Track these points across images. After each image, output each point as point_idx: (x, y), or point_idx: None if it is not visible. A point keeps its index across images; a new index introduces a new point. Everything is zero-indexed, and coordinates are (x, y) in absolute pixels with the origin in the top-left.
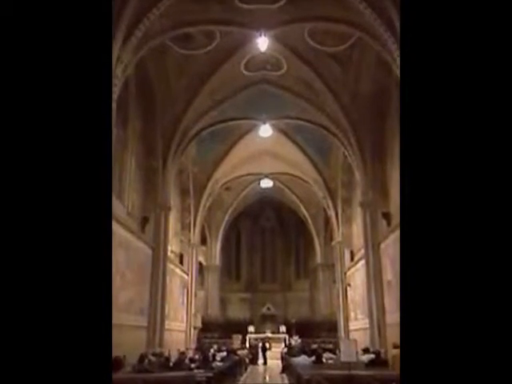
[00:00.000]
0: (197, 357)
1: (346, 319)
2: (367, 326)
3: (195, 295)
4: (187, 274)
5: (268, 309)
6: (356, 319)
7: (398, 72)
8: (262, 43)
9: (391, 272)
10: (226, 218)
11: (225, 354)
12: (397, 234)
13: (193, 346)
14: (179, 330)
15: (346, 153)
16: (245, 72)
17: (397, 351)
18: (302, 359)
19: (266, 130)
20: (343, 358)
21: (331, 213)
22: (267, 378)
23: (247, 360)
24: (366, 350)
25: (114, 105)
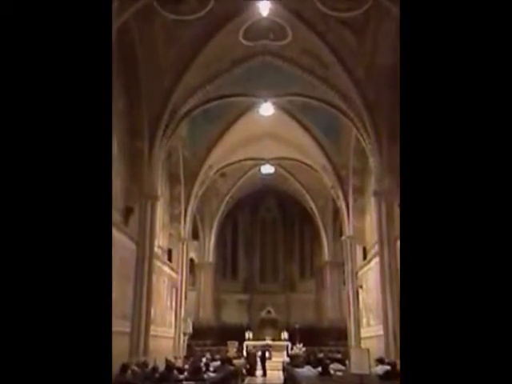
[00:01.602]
0: (187, 367)
1: (357, 325)
2: (381, 333)
3: (185, 297)
4: (177, 273)
5: (268, 312)
6: (369, 325)
7: None
8: (264, 7)
9: None
10: (222, 208)
11: (219, 363)
12: None
13: (182, 354)
14: (167, 337)
15: (359, 135)
16: (243, 41)
17: None
18: (307, 370)
19: (267, 109)
20: (354, 370)
21: (341, 204)
22: None
23: (244, 371)
24: (380, 361)
25: None
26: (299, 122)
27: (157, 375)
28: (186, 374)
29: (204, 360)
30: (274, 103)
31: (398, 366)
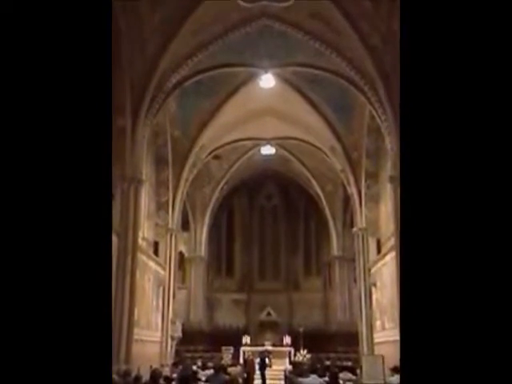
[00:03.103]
0: (175, 376)
1: (370, 329)
2: (398, 338)
3: (174, 296)
4: (164, 269)
5: (268, 314)
6: (383, 329)
7: None
8: None
9: None
10: (216, 195)
11: (211, 372)
12: None
13: (170, 361)
14: (152, 341)
15: (374, 112)
16: (240, 2)
17: None
18: (312, 380)
19: (268, 81)
20: (366, 380)
21: (352, 190)
22: None
23: (241, 380)
24: (395, 370)
25: None
26: (305, 96)
27: None
28: (174, 383)
29: (195, 368)
30: (275, 74)
31: None
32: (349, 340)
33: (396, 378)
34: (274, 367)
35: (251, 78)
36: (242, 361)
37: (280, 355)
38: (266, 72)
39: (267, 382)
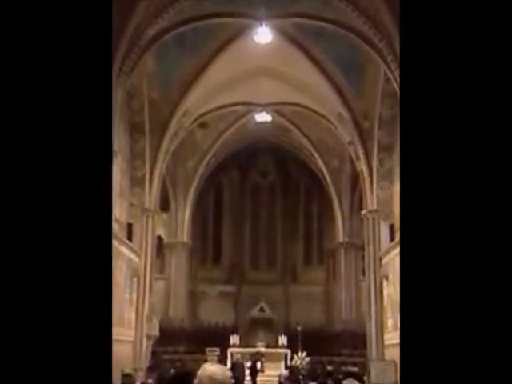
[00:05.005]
0: (150, 381)
1: (380, 329)
2: None
3: (151, 288)
4: (139, 256)
5: (261, 310)
6: (396, 329)
7: None
8: None
9: None
10: (201, 170)
11: None
12: None
13: (145, 365)
14: (124, 341)
15: (390, 73)
16: None
17: None
18: None
19: (264, 35)
20: None
21: (362, 166)
22: None
23: None
24: None
25: None
26: (308, 53)
27: None
28: None
29: (174, 372)
30: (273, 27)
31: None
32: (355, 341)
33: None
34: (267, 372)
35: (244, 31)
36: (229, 365)
37: (274, 358)
38: (262, 24)
39: None
